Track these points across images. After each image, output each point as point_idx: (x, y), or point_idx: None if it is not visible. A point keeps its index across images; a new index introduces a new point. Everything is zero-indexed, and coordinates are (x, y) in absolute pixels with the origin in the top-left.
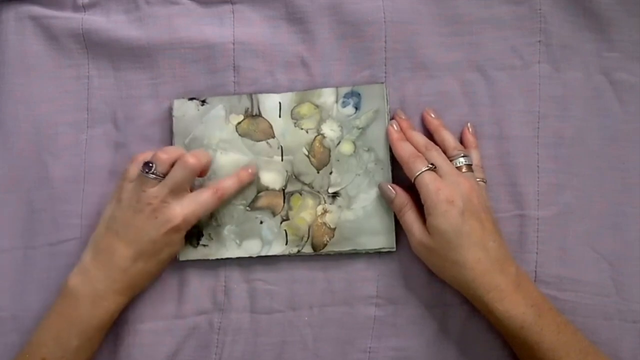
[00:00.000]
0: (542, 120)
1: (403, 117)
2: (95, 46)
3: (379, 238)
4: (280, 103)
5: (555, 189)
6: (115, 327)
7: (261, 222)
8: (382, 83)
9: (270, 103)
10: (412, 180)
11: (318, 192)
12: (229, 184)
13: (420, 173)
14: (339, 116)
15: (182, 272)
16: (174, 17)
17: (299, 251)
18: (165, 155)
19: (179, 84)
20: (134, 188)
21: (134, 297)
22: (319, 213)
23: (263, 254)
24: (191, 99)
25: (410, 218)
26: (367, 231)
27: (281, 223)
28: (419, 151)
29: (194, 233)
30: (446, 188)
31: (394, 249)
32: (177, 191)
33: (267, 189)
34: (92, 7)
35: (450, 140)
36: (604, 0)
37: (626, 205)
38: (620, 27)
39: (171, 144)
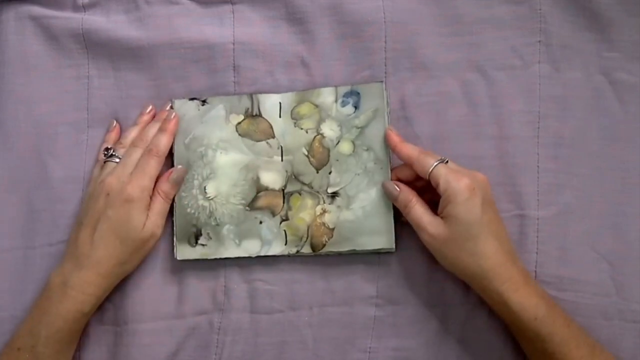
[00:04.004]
0: (542, 120)
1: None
2: (95, 46)
3: (378, 238)
4: (280, 103)
5: (555, 189)
6: (115, 327)
7: (260, 222)
8: (381, 82)
9: (270, 103)
10: (427, 176)
11: (317, 192)
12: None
13: (435, 166)
14: (338, 116)
15: (182, 272)
16: (174, 17)
17: (298, 251)
18: (114, 133)
19: (179, 84)
20: (95, 176)
21: (130, 297)
22: (318, 213)
23: (262, 254)
24: (192, 99)
25: (419, 211)
26: (366, 231)
27: (280, 223)
28: None
29: (193, 232)
30: (465, 177)
31: (394, 250)
32: (135, 172)
33: (266, 189)
34: (92, 7)
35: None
36: (604, 0)
37: (626, 205)
38: (620, 27)
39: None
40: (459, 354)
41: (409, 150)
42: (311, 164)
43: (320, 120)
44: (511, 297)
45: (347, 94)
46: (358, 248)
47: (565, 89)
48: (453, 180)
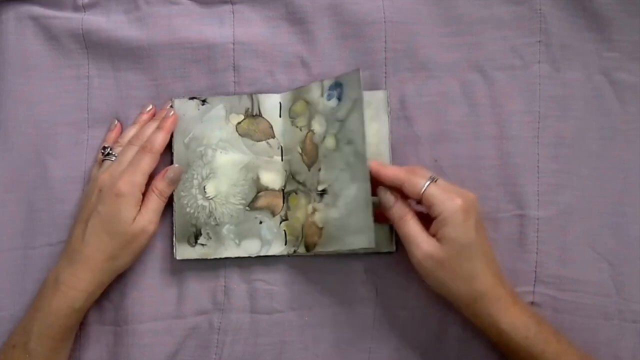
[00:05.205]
0: (542, 120)
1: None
2: (95, 46)
3: (360, 237)
4: (280, 103)
5: (555, 189)
6: (115, 327)
7: (260, 222)
8: (358, 70)
9: (270, 103)
10: (419, 197)
11: (309, 190)
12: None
13: (427, 186)
14: (324, 110)
15: (182, 272)
16: (174, 17)
17: (295, 251)
18: (115, 132)
19: (179, 84)
20: (93, 175)
21: (129, 297)
22: (309, 212)
23: (262, 254)
24: (191, 98)
25: (415, 228)
26: (351, 230)
27: (280, 223)
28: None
29: (192, 232)
30: (458, 197)
31: (373, 247)
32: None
33: (266, 189)
34: (92, 7)
35: (418, 168)
36: (604, 0)
37: (626, 205)
38: (620, 27)
39: (171, 143)
40: (458, 354)
41: (394, 172)
42: (304, 162)
43: (311, 117)
44: (502, 317)
45: (332, 87)
46: (344, 248)
47: (565, 89)
48: (448, 201)
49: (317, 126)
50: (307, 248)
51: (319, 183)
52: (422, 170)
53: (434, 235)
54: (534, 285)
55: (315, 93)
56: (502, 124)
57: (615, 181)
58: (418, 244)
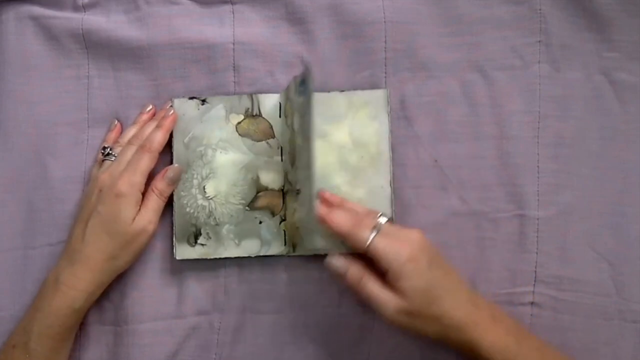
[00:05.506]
0: (542, 120)
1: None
2: (95, 46)
3: (311, 237)
4: (280, 103)
5: (555, 189)
6: (115, 327)
7: (260, 222)
8: (309, 64)
9: (270, 103)
10: (364, 250)
11: (293, 189)
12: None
13: (372, 240)
14: (297, 107)
15: (182, 272)
16: (174, 17)
17: (289, 251)
18: (115, 132)
19: (179, 84)
20: (93, 175)
21: (129, 297)
22: (291, 212)
23: (262, 254)
24: (191, 98)
25: (375, 289)
26: (308, 230)
27: (280, 223)
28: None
29: (192, 232)
30: (403, 246)
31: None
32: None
33: (266, 189)
34: (92, 7)
35: (359, 207)
36: (604, 0)
37: (626, 205)
38: (620, 27)
39: (170, 143)
40: (458, 355)
41: (339, 221)
42: (289, 161)
43: (293, 115)
44: (483, 342)
45: (301, 83)
46: (305, 248)
47: (565, 89)
48: (393, 254)
49: (295, 124)
50: (294, 248)
51: (297, 182)
52: (368, 218)
53: (392, 287)
54: (534, 285)
55: (292, 91)
56: (502, 124)
57: (615, 181)
58: (385, 302)
